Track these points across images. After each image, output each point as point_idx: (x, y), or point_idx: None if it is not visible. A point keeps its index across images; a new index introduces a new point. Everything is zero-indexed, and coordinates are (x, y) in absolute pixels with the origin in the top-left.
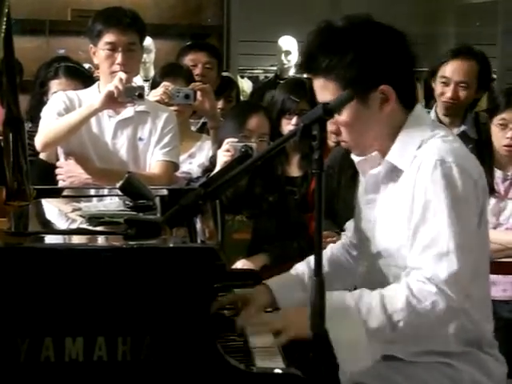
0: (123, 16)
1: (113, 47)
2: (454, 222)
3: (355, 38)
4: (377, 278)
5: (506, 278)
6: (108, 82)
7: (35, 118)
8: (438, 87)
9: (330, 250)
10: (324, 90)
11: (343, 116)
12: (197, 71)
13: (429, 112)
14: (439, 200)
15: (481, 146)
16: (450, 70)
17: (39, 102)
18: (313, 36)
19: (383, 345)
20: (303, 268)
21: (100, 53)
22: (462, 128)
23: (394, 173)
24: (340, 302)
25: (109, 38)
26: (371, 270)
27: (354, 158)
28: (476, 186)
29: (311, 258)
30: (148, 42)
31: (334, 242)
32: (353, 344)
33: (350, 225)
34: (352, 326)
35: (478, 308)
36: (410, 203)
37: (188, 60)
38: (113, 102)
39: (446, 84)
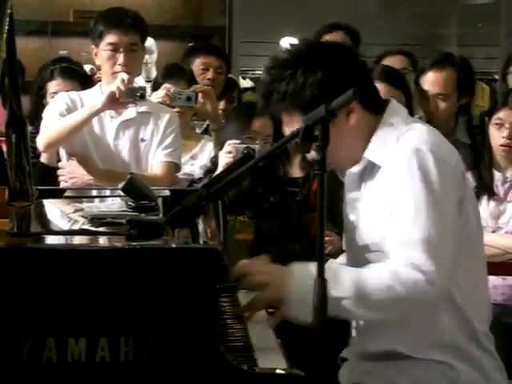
0: (125, 17)
1: (114, 48)
2: (430, 208)
3: (301, 61)
4: None
5: (505, 281)
6: (110, 83)
7: (35, 121)
8: (419, 99)
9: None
10: (290, 123)
11: None
12: (209, 75)
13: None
14: (415, 187)
15: (476, 150)
16: (428, 82)
17: (37, 104)
18: (264, 76)
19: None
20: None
21: (102, 54)
22: (454, 137)
23: (373, 169)
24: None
25: (110, 38)
26: (357, 266)
27: None
28: (454, 173)
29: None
30: (150, 42)
31: (332, 241)
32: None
33: None
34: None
35: (466, 299)
36: (389, 195)
37: (199, 63)
38: (114, 102)
39: (426, 97)
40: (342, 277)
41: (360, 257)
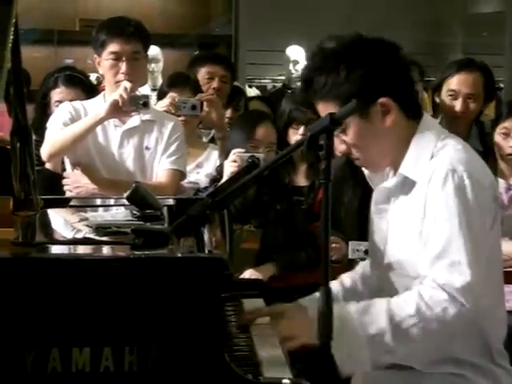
0: (126, 25)
1: (117, 57)
2: (465, 231)
3: (346, 55)
4: (387, 288)
5: (509, 288)
6: (113, 92)
7: (39, 130)
8: (445, 101)
9: (362, 268)
10: (324, 111)
11: (349, 135)
12: (214, 85)
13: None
14: (451, 209)
15: (487, 157)
16: (457, 82)
17: (42, 113)
18: (308, 62)
19: (388, 353)
20: (336, 287)
21: (104, 63)
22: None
23: (407, 185)
24: (342, 310)
25: (113, 47)
26: (382, 280)
27: (365, 171)
28: (488, 195)
29: (344, 277)
30: (156, 51)
31: (339, 247)
32: (351, 348)
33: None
34: (352, 333)
35: (487, 317)
36: (421, 213)
37: (205, 72)
38: (118, 110)
39: (454, 97)
40: (375, 310)
41: (381, 271)
